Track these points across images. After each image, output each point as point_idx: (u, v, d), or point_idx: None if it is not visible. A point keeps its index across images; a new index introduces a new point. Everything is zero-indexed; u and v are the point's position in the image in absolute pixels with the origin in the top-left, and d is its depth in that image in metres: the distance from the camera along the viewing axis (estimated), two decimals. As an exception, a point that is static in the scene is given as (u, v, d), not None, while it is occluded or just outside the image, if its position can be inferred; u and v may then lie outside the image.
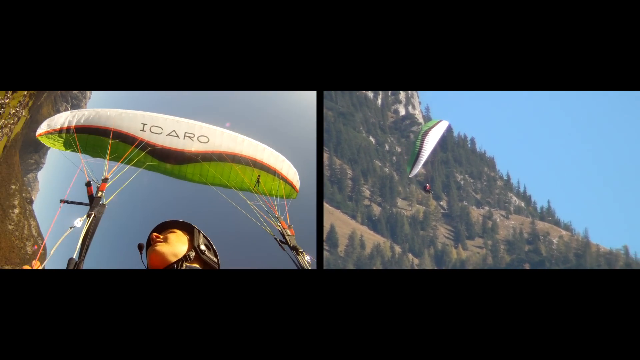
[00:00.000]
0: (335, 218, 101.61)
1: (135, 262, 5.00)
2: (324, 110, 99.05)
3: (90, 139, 11.41)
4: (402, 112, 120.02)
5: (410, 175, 26.15)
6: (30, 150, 70.42)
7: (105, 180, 8.72)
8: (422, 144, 23.39)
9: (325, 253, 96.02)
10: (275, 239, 9.95)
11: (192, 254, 4.85)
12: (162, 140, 11.46)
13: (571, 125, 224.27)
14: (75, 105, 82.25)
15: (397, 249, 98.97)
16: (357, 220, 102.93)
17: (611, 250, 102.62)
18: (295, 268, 8.43)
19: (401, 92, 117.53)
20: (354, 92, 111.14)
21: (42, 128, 11.48)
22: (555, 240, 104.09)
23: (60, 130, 11.48)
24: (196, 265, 4.86)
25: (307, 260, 8.83)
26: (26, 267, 6.18)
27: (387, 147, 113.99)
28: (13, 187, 56.07)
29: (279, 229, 10.17)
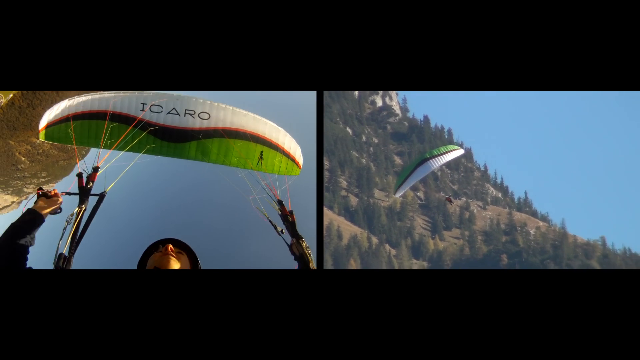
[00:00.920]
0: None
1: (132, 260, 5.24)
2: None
3: (85, 125, 11.18)
4: (379, 103, 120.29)
5: (395, 195, 26.48)
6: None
7: (96, 170, 8.43)
8: (416, 169, 23.29)
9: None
10: (271, 222, 9.70)
11: None
12: (163, 119, 11.22)
13: (547, 117, 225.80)
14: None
15: (374, 239, 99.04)
16: (334, 211, 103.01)
17: (588, 241, 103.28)
18: (294, 255, 8.37)
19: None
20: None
21: (42, 122, 11.31)
22: (532, 231, 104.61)
23: (60, 121, 11.21)
24: None
25: (307, 247, 8.57)
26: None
27: (364, 138, 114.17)
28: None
29: (280, 213, 9.84)
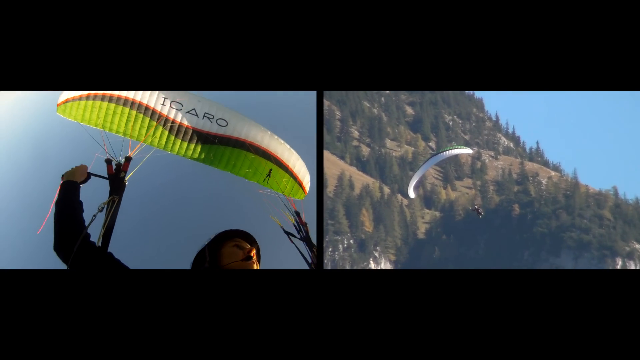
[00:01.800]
0: (324, 159, 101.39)
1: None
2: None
3: (110, 108, 10.97)
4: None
5: (411, 195, 26.88)
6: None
7: (128, 160, 8.09)
8: (426, 162, 23.62)
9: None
10: (283, 229, 9.80)
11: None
12: (181, 117, 11.12)
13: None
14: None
15: (386, 189, 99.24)
16: (345, 161, 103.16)
17: (600, 191, 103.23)
18: (307, 260, 8.46)
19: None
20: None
21: (63, 96, 11.06)
22: (544, 181, 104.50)
23: (80, 98, 11.03)
24: None
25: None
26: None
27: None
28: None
29: (295, 224, 9.96)
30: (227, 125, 11.36)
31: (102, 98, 10.67)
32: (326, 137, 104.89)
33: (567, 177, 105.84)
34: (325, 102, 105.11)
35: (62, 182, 6.00)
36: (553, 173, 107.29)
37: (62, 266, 5.36)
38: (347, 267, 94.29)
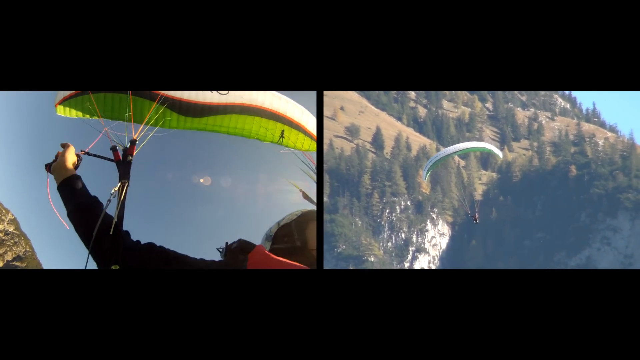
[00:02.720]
0: (380, 120, 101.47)
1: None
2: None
3: (107, 98, 10.73)
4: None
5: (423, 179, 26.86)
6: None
7: (133, 142, 7.94)
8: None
9: (371, 155, 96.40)
10: (303, 194, 9.06)
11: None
12: (181, 94, 10.87)
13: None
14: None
15: (442, 147, 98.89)
16: (402, 122, 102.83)
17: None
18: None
19: None
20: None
21: (59, 96, 10.83)
22: (601, 142, 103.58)
23: (75, 95, 10.86)
24: None
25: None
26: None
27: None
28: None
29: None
30: (228, 93, 11.24)
31: (98, 90, 10.62)
32: (383, 99, 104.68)
33: (624, 138, 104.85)
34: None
35: (48, 173, 5.81)
36: (610, 134, 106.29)
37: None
38: (405, 229, 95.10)
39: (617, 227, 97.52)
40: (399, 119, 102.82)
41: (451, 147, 25.09)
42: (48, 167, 5.75)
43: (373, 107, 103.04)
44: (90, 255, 5.26)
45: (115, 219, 5.64)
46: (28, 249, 41.96)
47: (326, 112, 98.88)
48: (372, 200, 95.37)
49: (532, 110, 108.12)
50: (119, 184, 6.67)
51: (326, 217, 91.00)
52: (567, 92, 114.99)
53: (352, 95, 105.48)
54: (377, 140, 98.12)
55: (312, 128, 11.91)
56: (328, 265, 77.97)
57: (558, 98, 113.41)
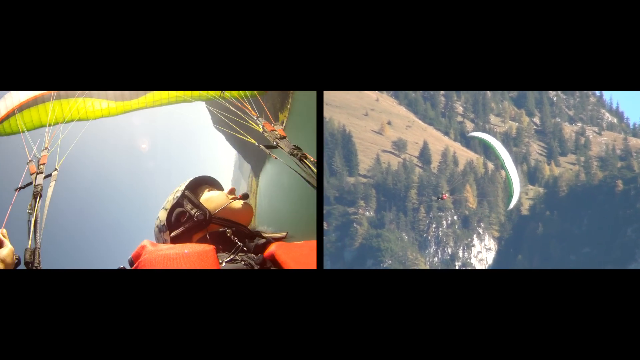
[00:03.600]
0: (428, 134, 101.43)
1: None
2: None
3: (34, 111, 10.83)
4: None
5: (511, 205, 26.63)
6: None
7: (45, 150, 7.95)
8: (511, 176, 23.52)
9: (418, 170, 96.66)
10: (259, 145, 8.81)
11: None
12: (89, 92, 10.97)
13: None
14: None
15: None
16: (449, 137, 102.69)
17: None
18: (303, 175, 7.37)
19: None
20: None
21: None
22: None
23: (7, 116, 10.91)
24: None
25: (310, 162, 7.47)
26: None
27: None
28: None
29: (263, 132, 8.93)
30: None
31: (24, 107, 10.54)
32: (430, 113, 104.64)
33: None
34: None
35: None
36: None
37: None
38: (451, 244, 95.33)
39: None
40: (446, 133, 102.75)
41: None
42: None
43: (420, 122, 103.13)
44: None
45: (31, 235, 5.78)
46: None
47: (373, 126, 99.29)
48: (418, 215, 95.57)
49: (580, 124, 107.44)
50: (31, 199, 6.65)
51: (372, 232, 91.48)
52: (614, 106, 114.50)
53: (400, 109, 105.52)
54: (424, 155, 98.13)
55: None
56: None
57: (605, 113, 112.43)
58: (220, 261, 4.15)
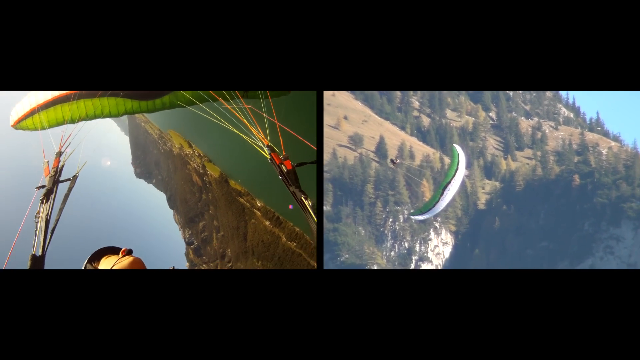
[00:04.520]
0: (384, 129, 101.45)
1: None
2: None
3: (57, 110, 11.38)
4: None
5: (417, 217, 27.00)
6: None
7: (59, 155, 7.72)
8: (440, 199, 23.73)
9: (374, 164, 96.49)
10: (270, 160, 8.93)
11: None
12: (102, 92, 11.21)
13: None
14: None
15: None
16: (406, 132, 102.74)
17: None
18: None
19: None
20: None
21: (13, 118, 11.12)
22: (604, 152, 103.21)
23: (30, 113, 11.46)
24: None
25: (309, 205, 7.59)
26: None
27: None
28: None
29: (270, 160, 9.06)
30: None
31: (46, 106, 10.65)
32: (386, 108, 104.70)
33: (627, 148, 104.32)
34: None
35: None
36: (613, 143, 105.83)
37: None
38: (408, 238, 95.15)
39: (620, 236, 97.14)
40: (403, 128, 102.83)
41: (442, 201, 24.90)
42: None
43: (376, 116, 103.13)
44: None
45: (35, 240, 5.58)
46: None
47: (329, 121, 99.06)
48: (375, 209, 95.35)
49: (536, 119, 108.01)
50: (39, 203, 6.15)
51: (329, 226, 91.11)
52: (570, 101, 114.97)
53: (356, 104, 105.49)
54: (381, 149, 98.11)
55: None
56: (331, 274, 77.85)
57: (562, 107, 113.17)
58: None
